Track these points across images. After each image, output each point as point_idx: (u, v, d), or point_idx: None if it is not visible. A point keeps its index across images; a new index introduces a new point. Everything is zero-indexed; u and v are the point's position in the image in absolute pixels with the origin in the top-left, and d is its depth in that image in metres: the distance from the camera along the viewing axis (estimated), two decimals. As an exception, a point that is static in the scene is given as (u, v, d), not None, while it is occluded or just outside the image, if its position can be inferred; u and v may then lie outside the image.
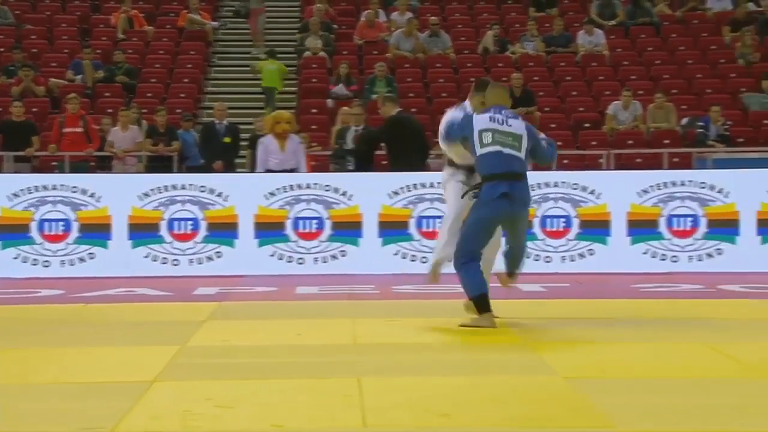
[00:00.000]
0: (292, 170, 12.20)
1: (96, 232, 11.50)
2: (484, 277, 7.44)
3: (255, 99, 19.08)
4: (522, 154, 7.43)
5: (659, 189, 11.60)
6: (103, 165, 16.01)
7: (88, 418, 4.97)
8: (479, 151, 7.40)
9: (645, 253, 11.56)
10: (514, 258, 7.64)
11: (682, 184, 11.63)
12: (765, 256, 11.49)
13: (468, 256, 7.39)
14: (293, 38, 20.48)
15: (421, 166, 12.36)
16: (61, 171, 14.81)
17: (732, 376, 5.86)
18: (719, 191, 11.57)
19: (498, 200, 7.32)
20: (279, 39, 20.86)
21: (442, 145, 7.84)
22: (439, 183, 8.29)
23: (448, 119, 7.75)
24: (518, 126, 7.49)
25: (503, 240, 7.74)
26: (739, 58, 19.34)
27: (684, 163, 16.34)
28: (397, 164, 12.22)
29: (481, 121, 7.45)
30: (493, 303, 7.89)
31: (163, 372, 6.02)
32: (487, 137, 7.38)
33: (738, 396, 5.33)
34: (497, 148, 7.36)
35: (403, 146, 12.25)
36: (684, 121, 17.56)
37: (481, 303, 7.37)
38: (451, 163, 7.78)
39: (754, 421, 4.85)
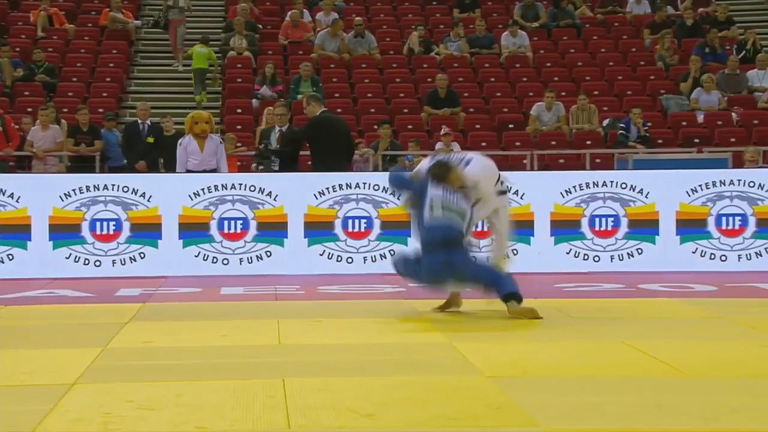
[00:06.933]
0: (212, 171, 12.07)
1: (15, 233, 11.30)
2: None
3: (178, 99, 18.91)
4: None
5: (582, 189, 11.75)
6: (23, 165, 15.74)
7: (5, 422, 4.86)
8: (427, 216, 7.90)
9: (568, 252, 11.68)
10: None
11: (604, 185, 11.79)
12: (683, 255, 11.70)
13: None
14: (217, 38, 20.34)
15: (345, 166, 12.30)
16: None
17: (652, 375, 5.91)
18: (639, 191, 11.76)
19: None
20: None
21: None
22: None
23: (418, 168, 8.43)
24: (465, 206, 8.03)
25: None
26: (658, 61, 19.67)
27: (606, 163, 16.57)
28: (320, 165, 12.13)
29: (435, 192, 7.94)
30: (422, 302, 8.45)
31: (84, 374, 5.89)
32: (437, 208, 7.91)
33: (658, 393, 5.40)
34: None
35: (326, 146, 12.17)
36: (605, 122, 17.81)
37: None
38: None
39: (674, 419, 4.92)
